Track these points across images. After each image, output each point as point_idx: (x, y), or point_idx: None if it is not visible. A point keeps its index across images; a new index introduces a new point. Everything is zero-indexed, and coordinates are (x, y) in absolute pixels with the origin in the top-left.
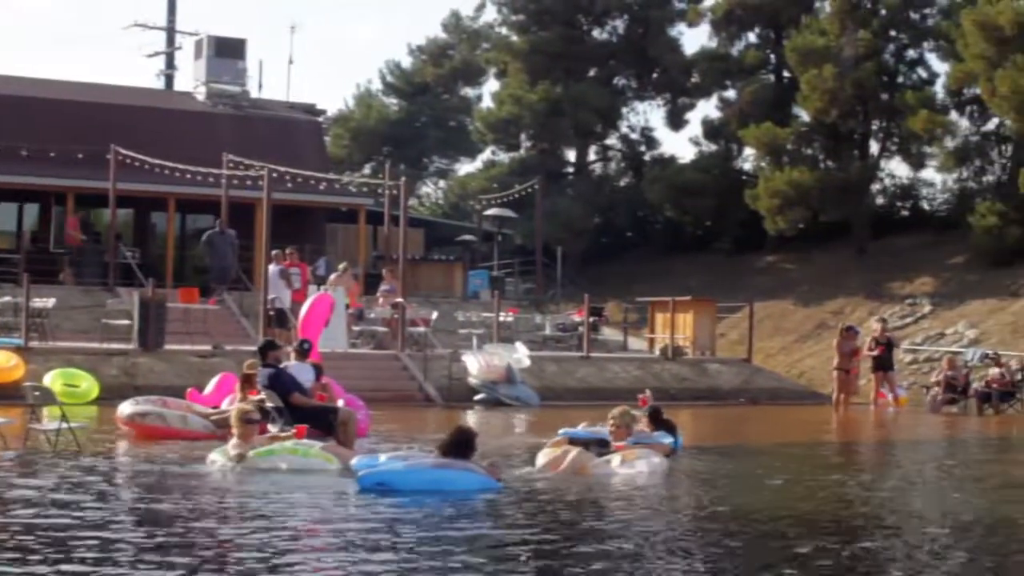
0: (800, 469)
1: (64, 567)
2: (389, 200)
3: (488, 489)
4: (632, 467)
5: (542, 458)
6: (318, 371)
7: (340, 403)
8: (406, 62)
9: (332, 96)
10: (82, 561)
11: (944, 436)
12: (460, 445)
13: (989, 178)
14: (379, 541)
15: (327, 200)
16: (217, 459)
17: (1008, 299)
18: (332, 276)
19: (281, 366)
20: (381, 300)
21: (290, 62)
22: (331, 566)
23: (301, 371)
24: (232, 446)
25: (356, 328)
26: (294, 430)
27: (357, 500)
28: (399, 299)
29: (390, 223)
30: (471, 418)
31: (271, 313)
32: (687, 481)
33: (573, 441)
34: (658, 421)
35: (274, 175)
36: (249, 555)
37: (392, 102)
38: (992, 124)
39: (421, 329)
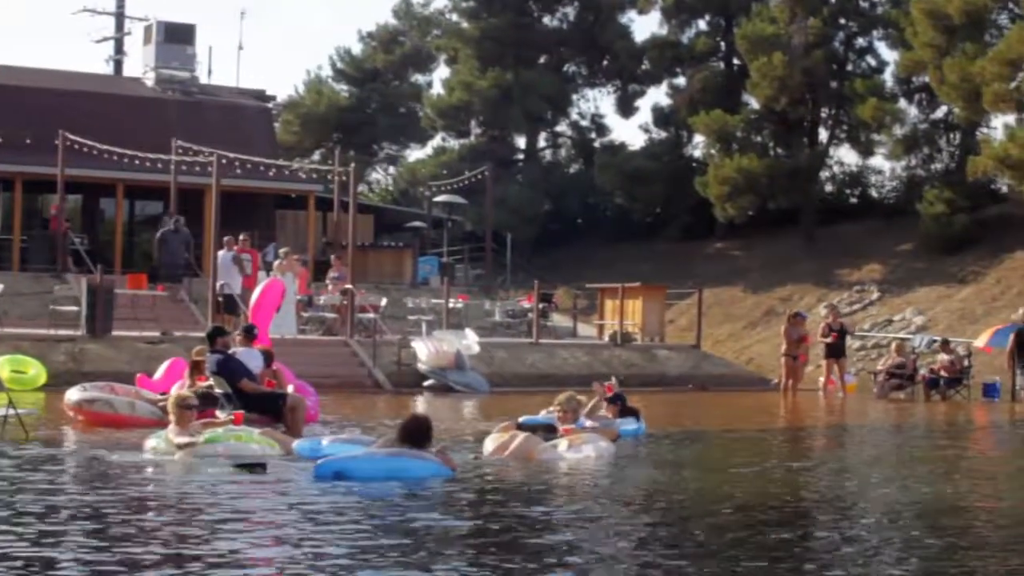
0: (749, 455)
1: None
2: (339, 186)
3: (442, 476)
4: (579, 451)
5: (490, 443)
6: (268, 357)
7: (289, 389)
8: (356, 48)
9: (282, 82)
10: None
11: (892, 422)
12: (416, 433)
13: (937, 166)
14: (329, 530)
15: (276, 186)
16: (155, 445)
17: (956, 286)
18: (276, 262)
19: (230, 352)
20: (330, 286)
21: (240, 48)
22: (280, 556)
23: (250, 357)
24: (171, 432)
25: (305, 314)
26: (231, 416)
27: (309, 488)
28: (348, 285)
29: (339, 209)
30: (420, 404)
31: (220, 299)
32: (637, 467)
33: (522, 427)
34: (623, 407)
35: (223, 161)
36: (194, 549)
37: (342, 88)
38: (940, 112)
39: (370, 315)
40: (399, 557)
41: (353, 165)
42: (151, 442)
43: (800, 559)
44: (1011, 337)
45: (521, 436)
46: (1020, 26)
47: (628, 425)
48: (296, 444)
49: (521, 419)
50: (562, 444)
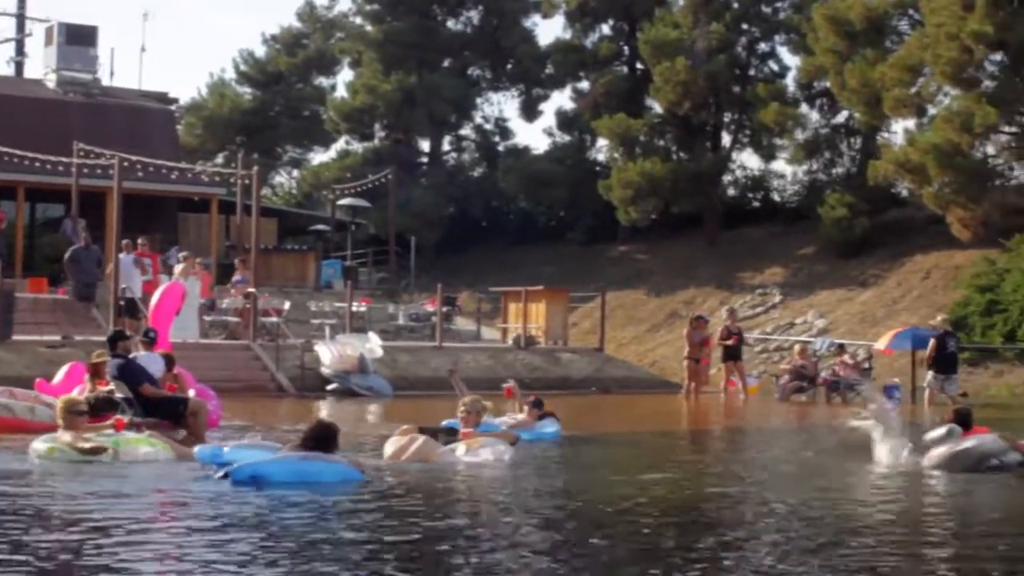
0: (653, 458)
1: None
2: (241, 189)
3: (352, 480)
4: (477, 455)
5: (389, 447)
6: (169, 361)
7: (191, 393)
8: (260, 51)
9: (185, 85)
10: None
11: (792, 424)
12: (323, 438)
13: (838, 170)
14: (220, 539)
15: (179, 189)
16: (41, 449)
17: (856, 289)
18: (177, 267)
19: (131, 356)
20: (233, 290)
21: (142, 50)
22: (167, 569)
23: (151, 361)
24: (64, 436)
25: (208, 318)
26: (113, 422)
27: (209, 493)
28: (251, 289)
29: (243, 212)
30: (323, 408)
31: (122, 303)
32: (539, 471)
33: (423, 430)
34: (542, 411)
35: (125, 164)
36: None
37: (246, 91)
38: (842, 117)
39: (273, 319)
40: (289, 568)
41: (256, 168)
42: (38, 446)
43: (700, 560)
44: (931, 342)
45: (420, 439)
46: (920, 32)
47: (547, 428)
48: (197, 450)
49: (444, 423)
50: (460, 448)
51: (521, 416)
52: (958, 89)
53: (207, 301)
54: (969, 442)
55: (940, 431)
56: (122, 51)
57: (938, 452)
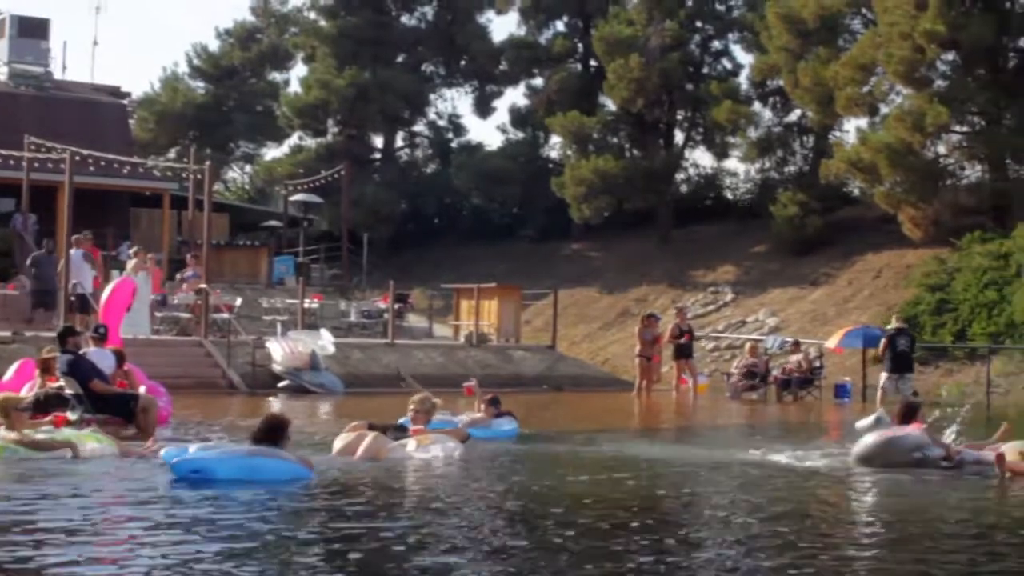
0: (605, 456)
1: None
2: (194, 184)
3: (300, 477)
4: (427, 452)
5: (339, 443)
6: (119, 357)
7: (141, 390)
8: (213, 45)
9: (138, 79)
10: None
11: (743, 422)
12: (272, 432)
13: (791, 168)
14: (166, 538)
15: (131, 184)
16: None
17: (808, 288)
18: (128, 263)
19: (81, 352)
20: (185, 286)
21: (95, 43)
22: (103, 572)
23: (101, 357)
24: (18, 436)
25: (159, 314)
26: (53, 418)
27: (158, 491)
28: (203, 285)
29: (195, 208)
30: (275, 405)
31: (72, 299)
32: (492, 468)
33: (372, 427)
34: (499, 408)
35: (77, 158)
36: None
37: (199, 86)
38: (794, 115)
39: (225, 315)
40: (233, 569)
41: (208, 163)
42: None
43: (653, 558)
44: (882, 341)
45: (370, 436)
46: (872, 31)
47: (504, 426)
48: (164, 452)
49: (400, 420)
50: (411, 444)
51: (478, 414)
52: (910, 88)
53: (158, 297)
54: (894, 432)
55: (869, 420)
56: (74, 45)
57: (864, 442)
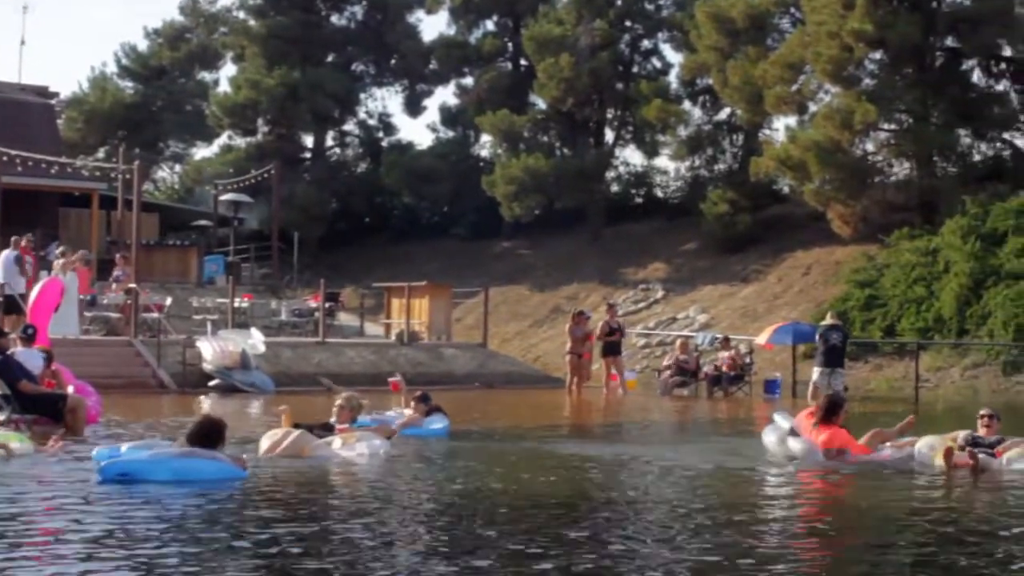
0: (536, 453)
1: None
2: (123, 184)
3: (234, 478)
4: (352, 449)
5: (265, 441)
6: (48, 358)
7: (70, 390)
8: (142, 45)
9: (66, 79)
10: None
11: (673, 418)
12: (209, 434)
13: (721, 166)
14: (84, 547)
15: (60, 184)
16: None
17: (738, 284)
18: (56, 262)
19: (8, 353)
20: (114, 286)
21: (22, 43)
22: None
23: (29, 358)
24: None
25: (89, 314)
26: None
27: (90, 493)
28: (132, 285)
29: (124, 207)
30: (205, 404)
31: (1, 299)
32: (419, 466)
33: (298, 425)
34: (429, 405)
35: (4, 158)
36: None
37: (128, 85)
38: (724, 114)
39: (155, 315)
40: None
41: (137, 163)
42: None
43: (585, 553)
44: (817, 337)
45: (294, 433)
46: (801, 30)
47: (435, 423)
48: (95, 451)
49: (332, 420)
50: (336, 442)
51: (408, 412)
52: (838, 87)
53: (88, 297)
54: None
55: (771, 435)
56: (1, 44)
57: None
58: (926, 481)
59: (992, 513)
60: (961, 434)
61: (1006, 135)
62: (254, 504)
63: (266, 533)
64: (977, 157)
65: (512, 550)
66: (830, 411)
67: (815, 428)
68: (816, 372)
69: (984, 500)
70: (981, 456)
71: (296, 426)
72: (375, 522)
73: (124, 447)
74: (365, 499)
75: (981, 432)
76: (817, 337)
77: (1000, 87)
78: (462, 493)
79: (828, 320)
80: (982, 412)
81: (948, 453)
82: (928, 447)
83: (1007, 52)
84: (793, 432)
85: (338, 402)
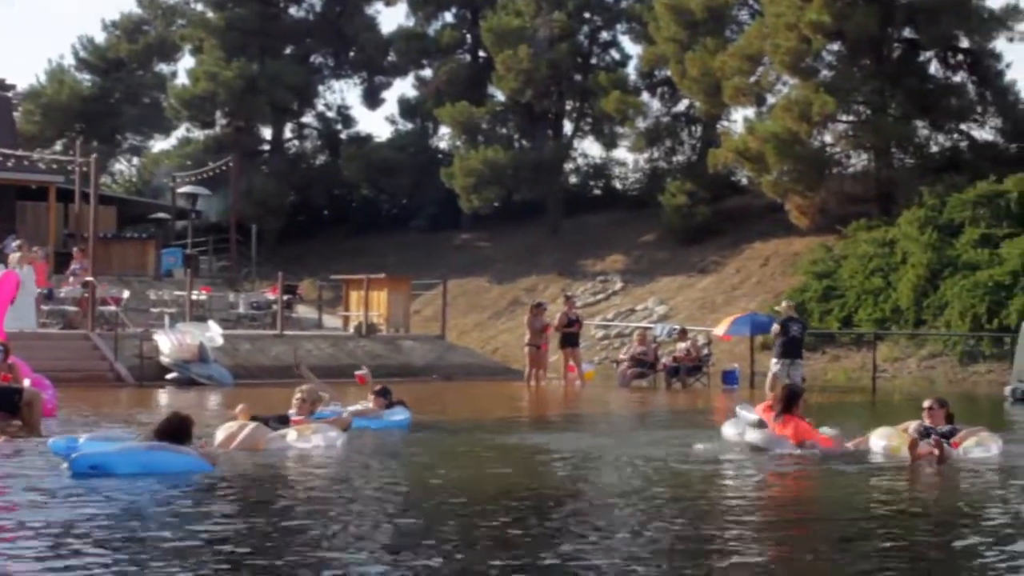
0: (496, 445)
1: None
2: (80, 177)
3: (202, 472)
4: (308, 441)
5: (220, 434)
6: (4, 351)
7: (26, 383)
8: (100, 37)
9: (23, 71)
10: None
11: (631, 409)
12: (176, 431)
13: (679, 158)
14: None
15: (16, 177)
16: None
17: (696, 275)
18: (12, 256)
19: None
20: (71, 279)
21: None
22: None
23: None
24: None
25: (45, 307)
26: None
27: (59, 489)
28: (89, 278)
29: (81, 201)
30: (163, 397)
31: None
32: (378, 459)
33: (254, 417)
34: (389, 399)
35: None
36: None
37: (85, 78)
38: (682, 105)
39: (112, 308)
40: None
41: (95, 156)
42: None
43: (547, 546)
44: (775, 327)
45: (250, 426)
46: (759, 22)
47: (397, 415)
48: (51, 441)
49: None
50: (291, 434)
51: (362, 405)
52: (796, 78)
53: (45, 290)
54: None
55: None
56: None
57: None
58: (890, 471)
59: (953, 502)
60: (912, 424)
61: (963, 126)
62: (209, 499)
63: (220, 528)
64: (934, 148)
65: (475, 543)
66: (790, 402)
67: (776, 421)
68: (776, 363)
69: (943, 489)
70: (945, 446)
71: (253, 418)
72: (333, 516)
73: (82, 438)
74: (324, 493)
75: (927, 422)
76: (776, 327)
77: (957, 78)
78: (421, 486)
79: (785, 310)
80: (925, 403)
81: (913, 443)
82: (883, 437)
83: (964, 44)
84: (761, 424)
85: (298, 395)
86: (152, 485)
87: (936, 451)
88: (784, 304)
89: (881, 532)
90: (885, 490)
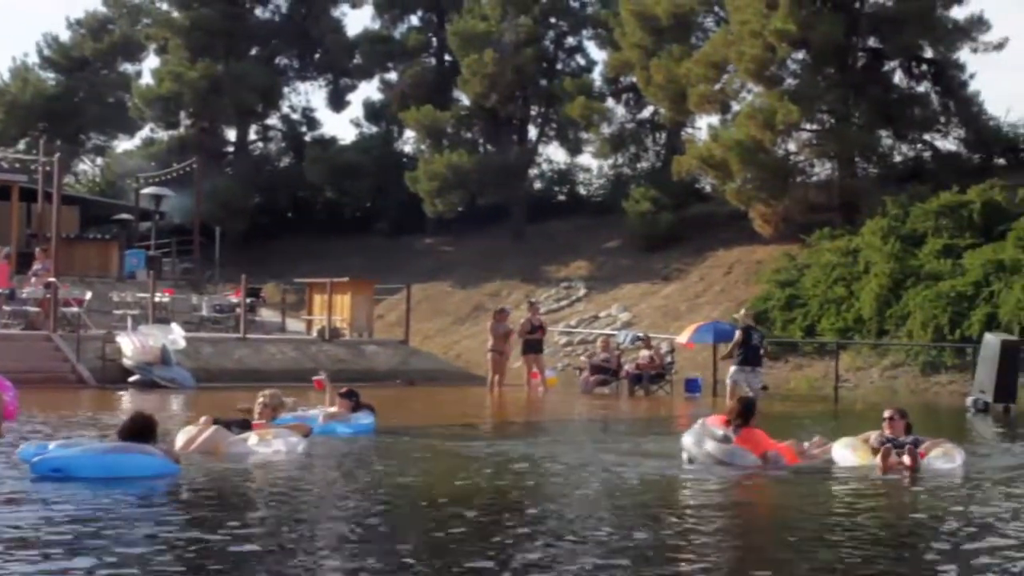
0: (456, 451)
1: None
2: (43, 177)
3: (167, 473)
4: (268, 446)
5: (181, 437)
6: None
7: None
8: (64, 36)
9: None
10: None
11: (594, 416)
12: (141, 431)
13: (643, 164)
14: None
15: None
16: None
17: (660, 283)
18: None
19: None
20: (34, 280)
21: None
22: None
23: None
24: None
25: (7, 308)
26: None
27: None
28: (52, 279)
29: (44, 200)
30: (125, 400)
31: None
32: (340, 464)
33: (216, 421)
34: (356, 401)
35: None
36: None
37: (49, 76)
38: (647, 112)
39: (75, 309)
40: None
41: (58, 155)
42: None
43: (505, 551)
44: (737, 335)
45: (210, 429)
46: (724, 29)
47: (363, 419)
48: (20, 449)
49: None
50: (252, 439)
51: (332, 408)
52: (761, 86)
53: (6, 291)
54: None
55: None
56: None
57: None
58: (857, 483)
59: (917, 514)
60: (873, 435)
61: (926, 136)
62: (171, 505)
63: (174, 536)
64: (898, 158)
65: (437, 550)
66: (748, 414)
67: (736, 434)
68: (734, 370)
69: (909, 500)
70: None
71: (215, 422)
72: (294, 521)
73: (52, 444)
74: (286, 499)
75: (887, 432)
76: (739, 335)
77: (921, 88)
78: (384, 492)
79: (743, 318)
80: (885, 414)
81: (887, 454)
82: (847, 447)
83: (928, 54)
84: (726, 438)
85: (260, 399)
86: (112, 490)
87: (909, 461)
88: (742, 312)
89: (841, 541)
90: (849, 500)
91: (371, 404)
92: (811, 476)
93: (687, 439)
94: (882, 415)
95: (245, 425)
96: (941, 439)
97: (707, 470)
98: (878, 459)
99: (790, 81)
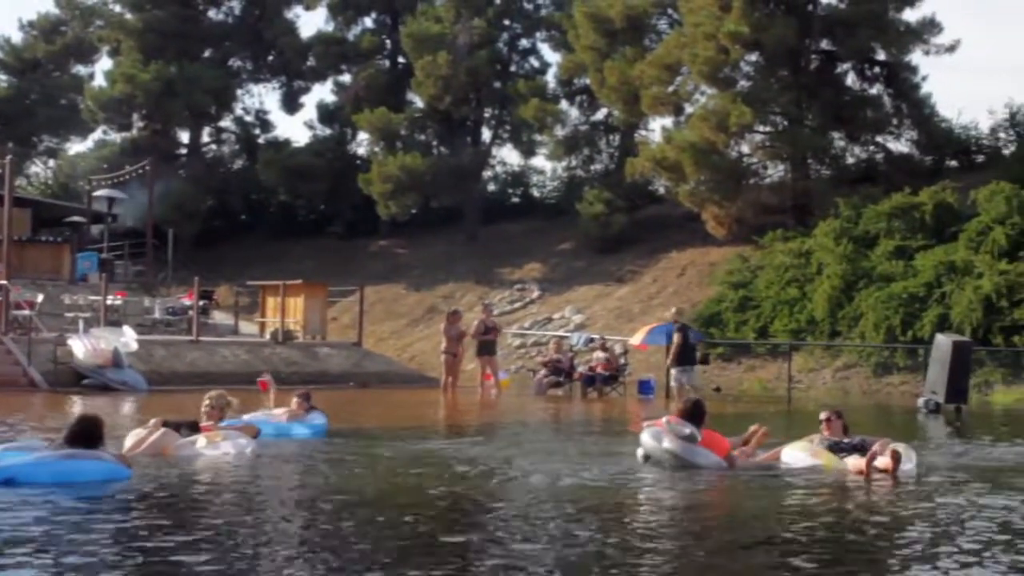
0: (410, 453)
1: None
2: None
3: (119, 477)
4: (217, 448)
5: (130, 439)
6: None
7: None
8: (16, 37)
9: None
10: None
11: (548, 419)
12: (88, 433)
13: (597, 167)
14: None
15: None
16: None
17: (613, 284)
18: None
19: None
20: None
21: None
22: None
23: None
24: None
25: None
26: None
27: None
28: (3, 281)
29: None
30: (78, 403)
31: None
32: (291, 467)
33: (166, 423)
34: (310, 403)
35: None
36: None
37: (1, 78)
38: (601, 114)
39: (26, 312)
40: None
41: (10, 157)
42: None
43: (462, 553)
44: (675, 336)
45: (159, 432)
46: (678, 32)
47: (317, 420)
48: None
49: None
50: (200, 441)
51: (290, 408)
52: (714, 88)
53: None
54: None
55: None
56: None
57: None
58: (815, 485)
59: (878, 515)
60: (816, 437)
61: (879, 138)
62: (120, 511)
63: (135, 544)
64: (850, 160)
65: (391, 555)
66: (700, 416)
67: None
68: (679, 371)
69: (865, 501)
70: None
71: (165, 424)
72: (243, 527)
73: None
74: (235, 503)
75: (824, 433)
76: (678, 335)
77: (873, 91)
78: (335, 496)
79: (674, 316)
80: (822, 415)
81: (871, 458)
82: (803, 451)
83: (881, 56)
84: (692, 436)
85: (206, 402)
86: (62, 496)
87: (891, 464)
88: (673, 311)
89: (802, 543)
90: (810, 503)
91: (322, 410)
92: (773, 479)
93: (645, 436)
94: (819, 417)
95: (194, 427)
96: (885, 439)
97: (662, 471)
98: (859, 463)
99: (743, 83)
